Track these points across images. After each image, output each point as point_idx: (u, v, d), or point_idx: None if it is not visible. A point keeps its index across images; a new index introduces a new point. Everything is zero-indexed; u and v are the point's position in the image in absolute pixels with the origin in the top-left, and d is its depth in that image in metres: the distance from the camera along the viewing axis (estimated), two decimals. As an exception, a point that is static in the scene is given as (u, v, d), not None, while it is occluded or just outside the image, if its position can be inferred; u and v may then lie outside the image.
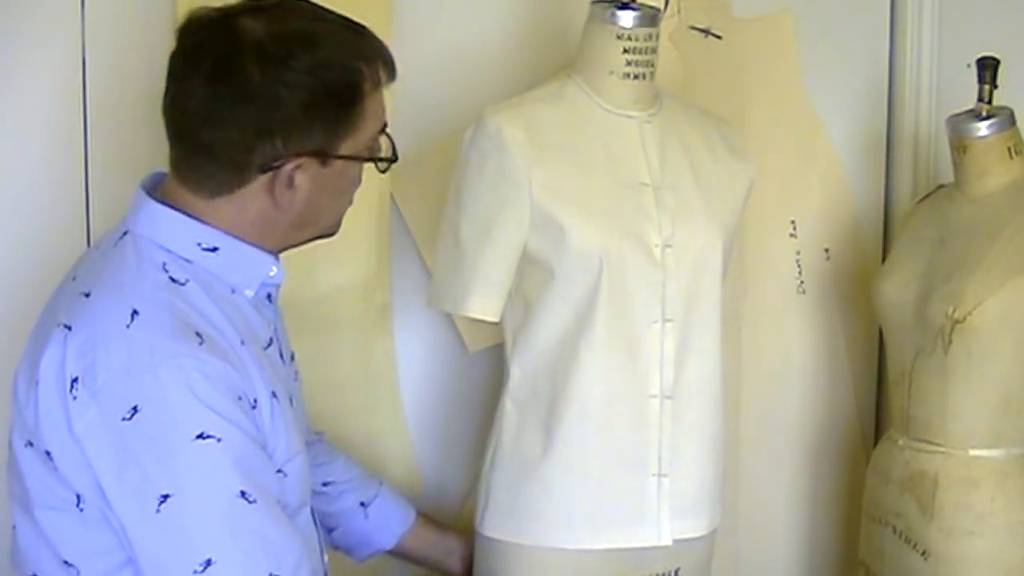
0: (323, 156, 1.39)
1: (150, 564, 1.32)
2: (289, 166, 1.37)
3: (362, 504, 1.83)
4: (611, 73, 1.84)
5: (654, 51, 1.86)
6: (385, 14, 2.14)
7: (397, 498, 1.89)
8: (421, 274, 2.21)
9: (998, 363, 1.99)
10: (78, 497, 1.32)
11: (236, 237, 1.40)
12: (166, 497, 1.28)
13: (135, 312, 1.31)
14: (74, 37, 2.00)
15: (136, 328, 1.30)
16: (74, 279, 1.42)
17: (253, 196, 1.39)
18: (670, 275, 1.83)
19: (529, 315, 1.84)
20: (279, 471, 1.41)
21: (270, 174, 1.37)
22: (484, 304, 1.81)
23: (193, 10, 1.40)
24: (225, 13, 1.38)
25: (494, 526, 1.87)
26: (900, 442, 2.11)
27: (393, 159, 1.49)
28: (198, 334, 1.32)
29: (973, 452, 2.02)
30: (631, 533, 1.85)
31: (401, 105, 2.14)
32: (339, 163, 1.41)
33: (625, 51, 1.83)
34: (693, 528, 1.90)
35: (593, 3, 1.86)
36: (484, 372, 2.22)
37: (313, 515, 1.55)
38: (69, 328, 1.32)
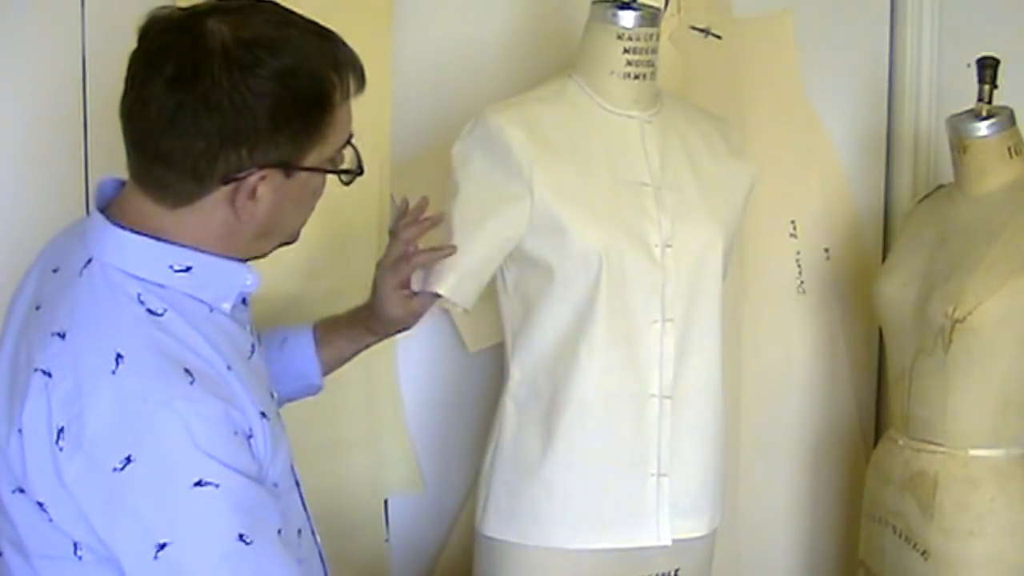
0: (287, 167, 1.34)
1: None
2: (253, 178, 1.32)
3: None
4: (611, 73, 1.84)
5: (655, 51, 1.86)
6: (386, 14, 2.14)
7: (287, 333, 1.78)
8: (421, 274, 2.21)
9: (998, 363, 1.99)
10: (75, 545, 1.30)
11: (205, 251, 1.36)
12: (163, 545, 1.26)
13: (119, 356, 1.26)
14: (74, 37, 2.00)
15: (123, 373, 1.25)
16: (37, 308, 1.35)
17: (214, 206, 1.34)
18: (670, 275, 1.82)
19: (529, 315, 1.84)
20: (274, 484, 1.39)
21: (232, 185, 1.31)
22: (457, 287, 1.77)
23: (155, 10, 1.34)
24: (190, 13, 1.33)
25: (494, 526, 1.87)
26: (900, 442, 2.11)
27: (358, 172, 1.44)
28: (187, 371, 1.28)
29: (973, 452, 2.02)
30: (631, 533, 1.85)
31: (401, 105, 2.15)
32: (303, 174, 1.35)
33: (626, 51, 1.83)
34: (693, 528, 1.90)
35: (594, 3, 1.86)
36: (484, 372, 2.22)
37: (300, 496, 1.53)
38: (49, 375, 1.27)
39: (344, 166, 1.42)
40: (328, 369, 1.81)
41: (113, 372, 1.26)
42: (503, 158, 1.78)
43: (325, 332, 1.79)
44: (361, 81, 1.40)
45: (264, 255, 1.44)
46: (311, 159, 1.36)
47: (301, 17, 1.37)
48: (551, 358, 1.83)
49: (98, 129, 2.01)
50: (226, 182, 1.32)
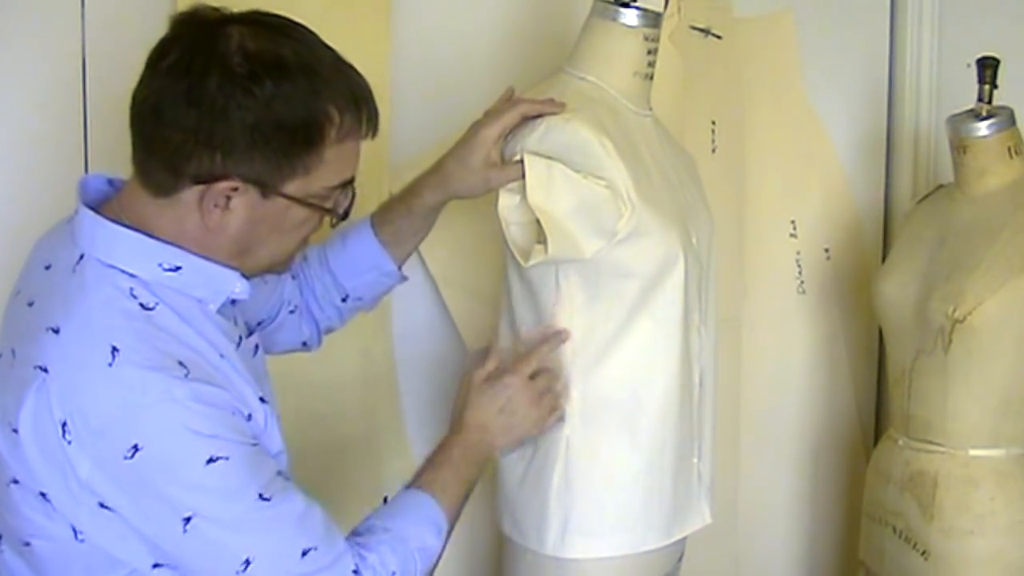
0: (264, 188, 1.35)
1: (191, 572, 1.35)
2: (223, 185, 1.32)
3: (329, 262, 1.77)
4: (635, 74, 1.79)
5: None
6: (384, 13, 2.14)
7: (346, 231, 1.75)
8: (421, 275, 2.21)
9: (998, 363, 1.99)
10: (74, 529, 1.32)
11: (195, 253, 1.36)
12: (189, 519, 1.30)
13: (115, 349, 1.28)
14: (74, 37, 2.00)
15: (120, 366, 1.27)
16: (31, 304, 1.37)
17: (187, 207, 1.33)
18: (704, 268, 1.83)
19: (597, 330, 1.76)
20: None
21: (203, 187, 1.32)
22: (543, 177, 1.67)
23: (196, 4, 1.36)
24: (221, 16, 1.34)
25: (584, 547, 1.78)
26: (900, 442, 2.11)
27: (342, 217, 1.43)
28: (181, 363, 1.30)
29: (973, 452, 2.02)
30: (689, 521, 1.85)
31: (400, 104, 2.15)
32: (282, 200, 1.35)
33: (649, 52, 1.81)
34: (711, 505, 1.90)
35: (606, 3, 1.81)
36: (484, 372, 2.22)
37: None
38: (46, 370, 1.28)
39: (338, 208, 1.41)
40: (398, 252, 1.77)
41: (110, 365, 1.28)
42: (601, 170, 1.68)
43: (381, 213, 1.77)
44: (372, 124, 1.39)
45: (249, 276, 1.43)
46: (292, 188, 1.35)
47: (330, 51, 1.37)
48: (627, 365, 1.76)
49: (98, 129, 2.02)
50: (197, 182, 1.32)
